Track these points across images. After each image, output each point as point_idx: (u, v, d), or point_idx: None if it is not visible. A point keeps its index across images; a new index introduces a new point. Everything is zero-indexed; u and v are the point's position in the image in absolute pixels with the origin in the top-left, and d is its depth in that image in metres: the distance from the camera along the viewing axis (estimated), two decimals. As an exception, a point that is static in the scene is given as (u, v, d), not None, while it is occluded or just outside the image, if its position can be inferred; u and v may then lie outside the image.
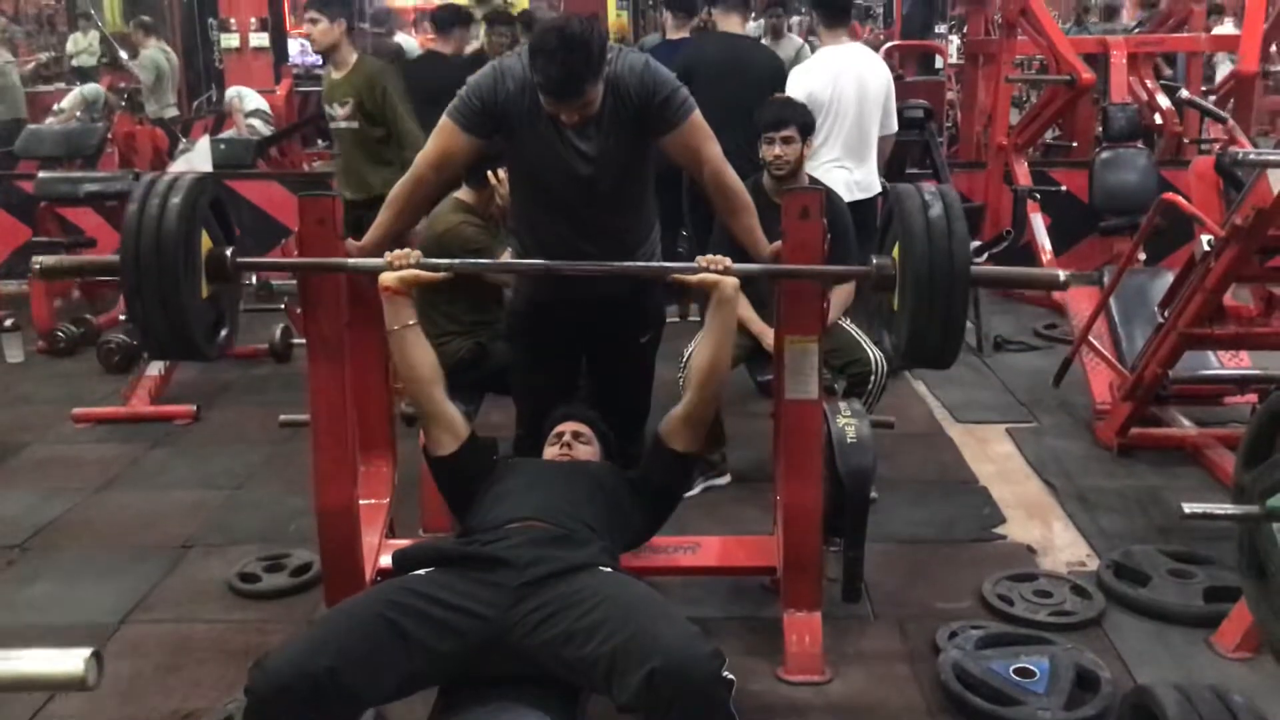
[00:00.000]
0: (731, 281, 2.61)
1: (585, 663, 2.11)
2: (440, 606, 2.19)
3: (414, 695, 2.30)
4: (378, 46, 10.72)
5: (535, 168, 2.91)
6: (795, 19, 9.85)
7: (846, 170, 4.79)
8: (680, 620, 2.16)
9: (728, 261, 2.57)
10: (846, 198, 4.39)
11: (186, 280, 2.32)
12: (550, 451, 2.84)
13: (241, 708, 2.12)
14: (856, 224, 4.09)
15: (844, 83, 4.82)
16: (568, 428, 2.86)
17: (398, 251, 2.60)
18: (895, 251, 2.44)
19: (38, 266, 2.47)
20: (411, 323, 2.60)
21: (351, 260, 2.70)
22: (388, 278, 2.56)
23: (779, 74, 5.00)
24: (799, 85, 4.80)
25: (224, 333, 2.58)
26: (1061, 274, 2.50)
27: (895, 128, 5.12)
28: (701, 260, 2.63)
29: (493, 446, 3.93)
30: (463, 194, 3.90)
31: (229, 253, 2.49)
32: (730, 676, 2.05)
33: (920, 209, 2.32)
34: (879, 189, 4.88)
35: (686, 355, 3.91)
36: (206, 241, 2.45)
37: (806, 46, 7.05)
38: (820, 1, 5.16)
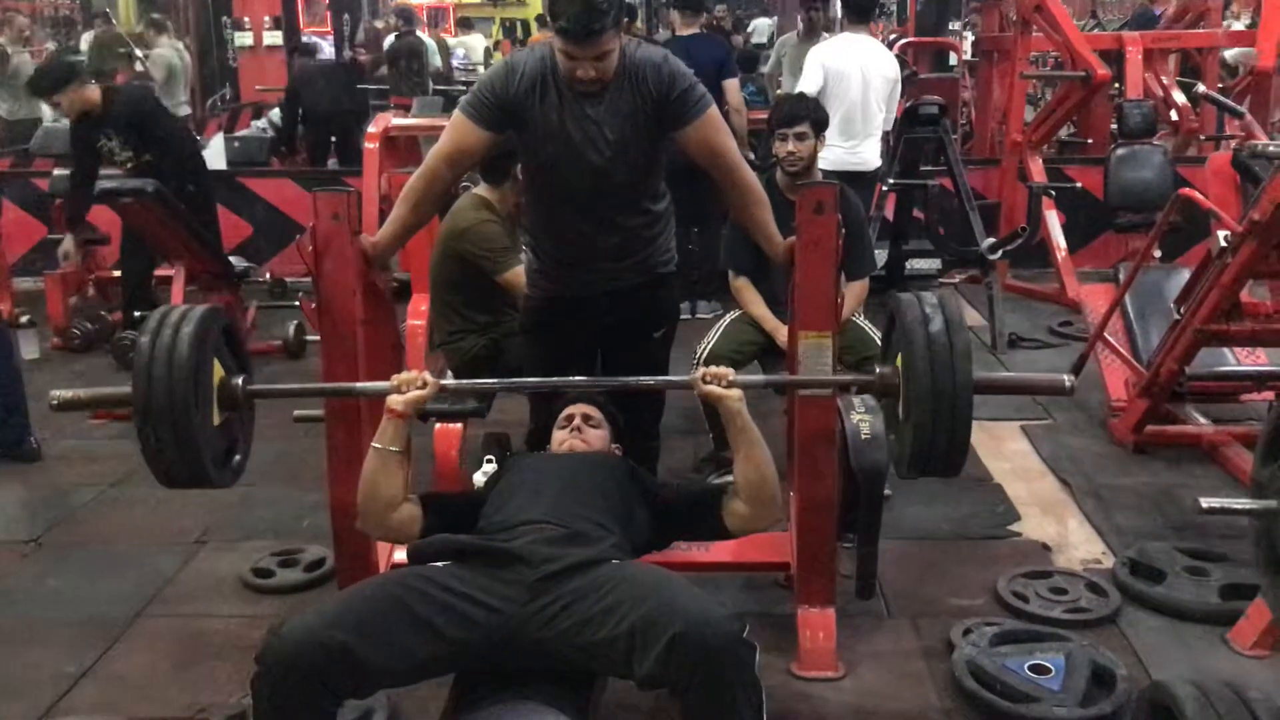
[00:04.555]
0: (736, 394, 2.49)
1: (604, 645, 2.11)
2: (456, 597, 2.19)
3: (427, 689, 2.31)
4: (399, 46, 10.76)
5: (550, 161, 2.90)
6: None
7: (840, 148, 5.29)
8: (697, 590, 2.16)
9: (731, 373, 2.49)
10: (838, 169, 4.80)
11: (198, 411, 2.32)
12: (559, 436, 2.77)
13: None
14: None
15: (852, 65, 5.43)
16: (577, 410, 2.80)
17: (405, 375, 2.50)
18: (899, 360, 2.41)
19: (55, 401, 2.45)
20: (396, 449, 2.46)
21: (359, 385, 2.66)
22: (394, 401, 2.46)
23: None
24: (815, 62, 5.45)
25: (237, 458, 2.58)
26: (1067, 379, 2.42)
27: (889, 125, 5.70)
28: (703, 371, 2.52)
29: (505, 443, 3.95)
30: (482, 191, 3.89)
31: (240, 381, 2.49)
32: (753, 641, 2.05)
33: (921, 322, 2.28)
34: (878, 163, 5.63)
35: (700, 352, 3.92)
36: (219, 370, 2.45)
37: None
38: (848, 1, 5.83)
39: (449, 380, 2.68)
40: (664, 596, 2.11)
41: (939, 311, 2.29)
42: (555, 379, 2.85)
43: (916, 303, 2.34)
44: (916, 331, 2.27)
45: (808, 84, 5.31)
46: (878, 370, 2.49)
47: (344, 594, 2.34)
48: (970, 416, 2.25)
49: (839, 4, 6.79)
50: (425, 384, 2.47)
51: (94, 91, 5.37)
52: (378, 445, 2.45)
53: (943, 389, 2.22)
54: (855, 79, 5.39)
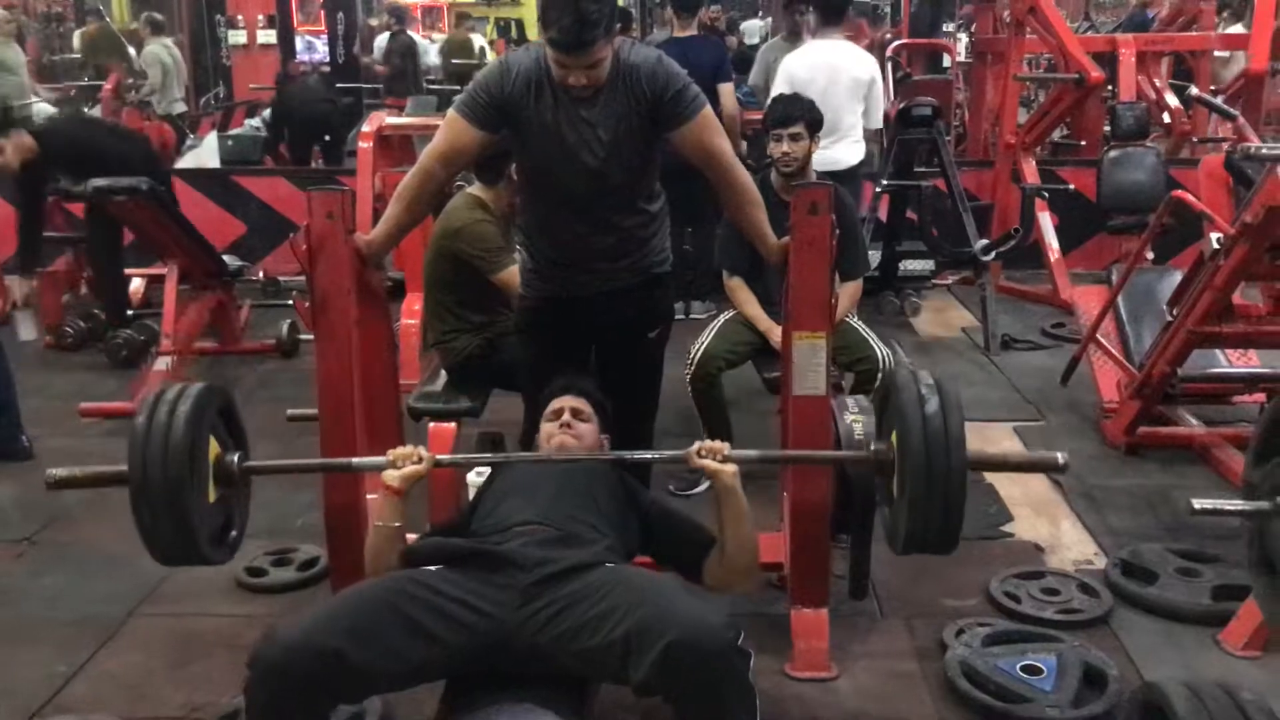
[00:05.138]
0: (731, 469, 2.46)
1: (599, 650, 2.11)
2: (449, 601, 2.18)
3: (422, 690, 2.31)
4: (393, 45, 10.74)
5: (544, 161, 2.90)
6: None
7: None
8: (691, 595, 2.16)
9: (725, 448, 2.47)
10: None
11: (193, 490, 2.32)
12: (548, 429, 2.74)
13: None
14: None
15: (818, 69, 5.35)
16: (565, 404, 2.77)
17: (401, 450, 2.49)
18: (894, 437, 2.42)
19: (51, 479, 2.46)
20: (397, 524, 2.46)
21: (355, 460, 2.63)
22: (390, 476, 2.45)
23: None
24: (783, 70, 5.43)
25: (233, 534, 2.58)
26: (1060, 457, 2.40)
27: (877, 124, 5.62)
28: (698, 445, 2.49)
29: (499, 443, 3.94)
30: (477, 190, 3.88)
31: (236, 458, 2.50)
32: (748, 649, 2.05)
33: (916, 403, 2.28)
34: (854, 162, 5.47)
35: (694, 352, 3.92)
36: (215, 447, 2.45)
37: None
38: (818, 2, 5.68)
39: (444, 455, 2.66)
40: (659, 603, 2.10)
41: (935, 393, 2.29)
42: (546, 454, 2.72)
43: (913, 382, 2.33)
44: (912, 412, 2.27)
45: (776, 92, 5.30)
46: (872, 446, 2.50)
47: (336, 598, 2.33)
48: (964, 496, 2.26)
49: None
50: (420, 459, 2.47)
51: (28, 138, 5.33)
52: (378, 524, 2.46)
53: (937, 471, 2.22)
54: (820, 83, 5.25)
